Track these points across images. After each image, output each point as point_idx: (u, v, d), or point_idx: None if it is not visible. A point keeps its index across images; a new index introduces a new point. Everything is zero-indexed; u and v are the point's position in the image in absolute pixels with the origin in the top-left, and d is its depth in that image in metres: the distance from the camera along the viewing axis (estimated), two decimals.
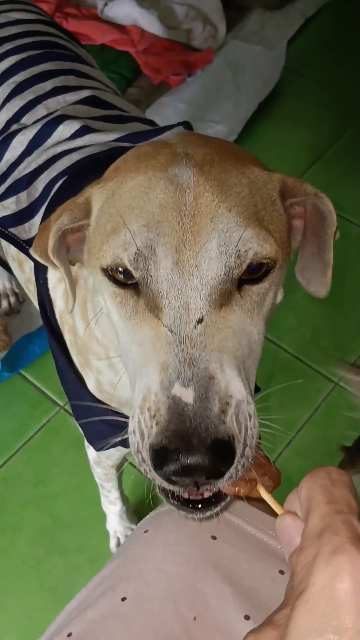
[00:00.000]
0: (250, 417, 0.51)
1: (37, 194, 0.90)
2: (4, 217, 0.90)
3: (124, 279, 0.56)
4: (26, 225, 0.90)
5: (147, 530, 0.62)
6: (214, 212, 0.54)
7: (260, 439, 0.54)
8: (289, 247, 0.62)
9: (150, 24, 2.18)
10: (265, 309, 0.58)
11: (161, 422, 0.49)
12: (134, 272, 0.55)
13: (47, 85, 1.01)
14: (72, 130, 0.92)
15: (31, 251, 0.67)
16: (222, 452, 0.47)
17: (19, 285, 1.74)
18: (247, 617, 0.56)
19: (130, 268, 0.55)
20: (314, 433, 1.55)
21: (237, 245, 0.53)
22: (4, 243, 0.98)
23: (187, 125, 0.92)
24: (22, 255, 0.92)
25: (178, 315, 0.52)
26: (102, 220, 0.60)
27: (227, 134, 2.03)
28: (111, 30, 2.18)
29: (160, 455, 0.48)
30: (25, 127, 0.97)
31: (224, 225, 0.54)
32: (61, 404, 1.57)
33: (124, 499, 1.31)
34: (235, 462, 0.49)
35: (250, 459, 0.50)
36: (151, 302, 0.55)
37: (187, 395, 0.48)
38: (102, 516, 1.38)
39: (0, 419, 1.42)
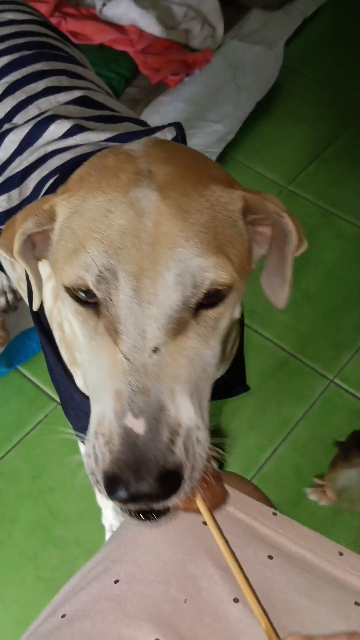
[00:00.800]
0: (199, 442, 0.53)
1: (28, 192, 0.92)
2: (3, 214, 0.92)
3: (85, 297, 0.57)
4: None
5: None
6: (172, 240, 0.55)
7: (214, 458, 0.56)
8: (248, 265, 0.63)
9: (149, 24, 2.19)
10: (220, 331, 0.59)
11: (113, 451, 0.51)
12: (96, 292, 0.56)
13: (39, 86, 1.03)
14: (64, 130, 0.94)
15: None
16: (169, 481, 0.50)
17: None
18: (236, 600, 0.57)
19: (92, 288, 0.56)
20: (309, 429, 1.56)
21: (194, 275, 0.55)
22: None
23: (178, 126, 0.93)
24: None
25: (134, 343, 0.54)
26: (64, 235, 0.61)
27: (226, 133, 2.04)
28: (110, 30, 2.20)
29: (111, 482, 0.50)
30: (17, 126, 0.98)
31: (181, 255, 0.54)
32: (58, 399, 1.58)
33: None
34: (182, 486, 0.52)
35: (197, 481, 0.53)
36: (110, 326, 0.56)
37: (138, 426, 0.50)
38: (97, 510, 1.40)
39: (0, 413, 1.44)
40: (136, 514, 0.55)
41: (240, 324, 0.91)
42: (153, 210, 0.56)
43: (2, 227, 0.90)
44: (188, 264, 0.54)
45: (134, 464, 0.50)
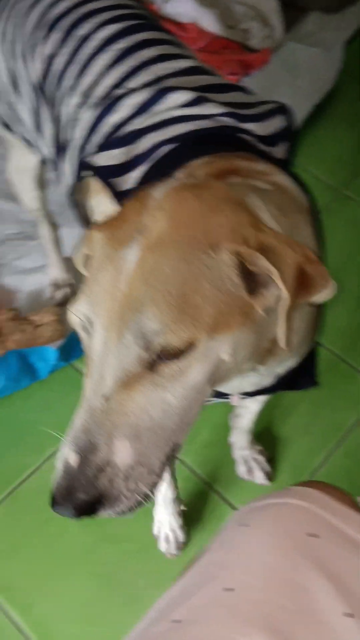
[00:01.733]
0: (129, 479, 0.62)
1: (141, 150, 0.91)
2: (109, 166, 0.92)
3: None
4: (125, 177, 0.91)
5: (244, 524, 0.64)
6: (136, 303, 0.61)
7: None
8: (242, 316, 0.66)
9: (209, 22, 2.19)
10: (190, 378, 0.64)
11: (56, 475, 0.63)
12: (81, 335, 0.66)
13: (150, 52, 1.03)
14: (186, 99, 0.94)
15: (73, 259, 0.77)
16: (86, 506, 0.61)
17: (74, 276, 1.76)
18: (350, 615, 0.57)
19: (79, 331, 0.66)
20: None
21: (146, 338, 0.61)
22: (92, 203, 1.00)
23: (282, 109, 0.97)
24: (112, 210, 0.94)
25: (93, 386, 0.62)
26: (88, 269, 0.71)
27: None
28: (169, 27, 2.20)
29: (52, 496, 0.62)
30: (134, 90, 0.98)
31: (139, 318, 0.61)
32: None
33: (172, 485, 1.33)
34: (99, 512, 0.62)
35: (121, 512, 0.63)
36: (87, 362, 0.65)
37: (73, 460, 0.61)
38: (150, 507, 1.40)
39: (58, 406, 1.44)
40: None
41: (318, 312, 0.90)
42: (130, 270, 0.63)
43: (110, 180, 0.91)
44: (143, 327, 0.61)
45: (64, 489, 0.61)
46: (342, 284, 0.70)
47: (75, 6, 1.11)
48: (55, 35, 1.08)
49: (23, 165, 1.38)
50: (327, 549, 0.61)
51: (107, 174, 0.91)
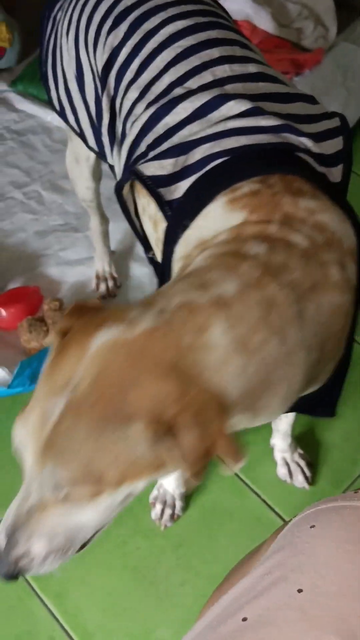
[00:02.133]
0: (44, 561, 0.74)
1: (192, 161, 0.91)
2: (159, 176, 0.92)
3: None
4: (173, 187, 0.91)
5: (313, 526, 0.62)
6: (52, 453, 0.68)
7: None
8: (156, 469, 0.70)
9: (263, 20, 2.17)
10: (102, 507, 0.71)
11: None
12: (16, 451, 0.74)
13: (214, 53, 1.02)
14: (243, 109, 0.93)
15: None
16: (10, 577, 0.74)
17: (117, 269, 1.77)
18: None
19: (15, 446, 0.73)
20: None
21: (55, 486, 0.69)
22: (143, 201, 1.00)
23: (341, 119, 0.98)
24: (159, 215, 0.93)
25: (21, 499, 0.72)
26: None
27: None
28: None
29: None
30: (192, 93, 0.97)
31: (53, 466, 0.68)
32: None
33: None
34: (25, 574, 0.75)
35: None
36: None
37: (2, 541, 0.73)
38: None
39: None
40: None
41: (348, 338, 0.88)
42: (52, 422, 0.68)
43: (160, 189, 0.91)
44: (55, 475, 0.68)
45: None
46: None
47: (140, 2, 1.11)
48: (123, 27, 1.08)
49: (81, 155, 1.38)
50: None
51: (156, 183, 0.92)
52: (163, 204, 0.91)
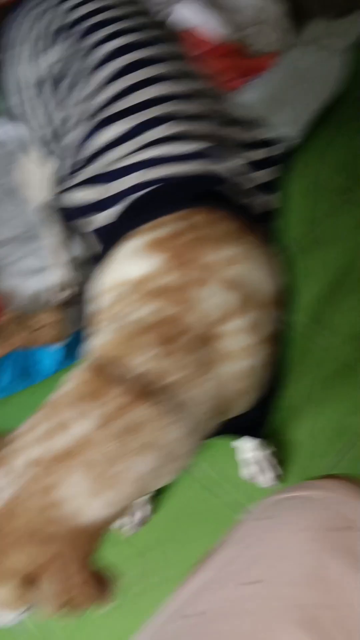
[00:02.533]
0: None
1: (117, 191, 0.91)
2: (84, 206, 0.93)
3: None
4: (98, 215, 0.92)
5: (267, 518, 0.61)
6: None
7: None
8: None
9: (215, 26, 2.19)
10: None
11: None
12: None
13: (150, 72, 1.00)
14: (169, 133, 0.92)
15: None
16: None
17: (79, 277, 1.75)
18: None
19: None
20: None
21: None
22: None
23: (278, 148, 0.98)
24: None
25: None
26: None
27: (288, 139, 2.02)
28: None
29: None
30: (122, 113, 0.97)
31: None
32: None
33: None
34: None
35: None
36: None
37: None
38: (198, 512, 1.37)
39: None
40: None
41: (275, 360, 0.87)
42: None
43: (78, 219, 0.90)
44: None
45: None
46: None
47: (89, 15, 1.09)
48: (63, 43, 1.07)
49: (37, 162, 1.37)
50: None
51: (83, 212, 0.92)
52: (87, 234, 0.91)
